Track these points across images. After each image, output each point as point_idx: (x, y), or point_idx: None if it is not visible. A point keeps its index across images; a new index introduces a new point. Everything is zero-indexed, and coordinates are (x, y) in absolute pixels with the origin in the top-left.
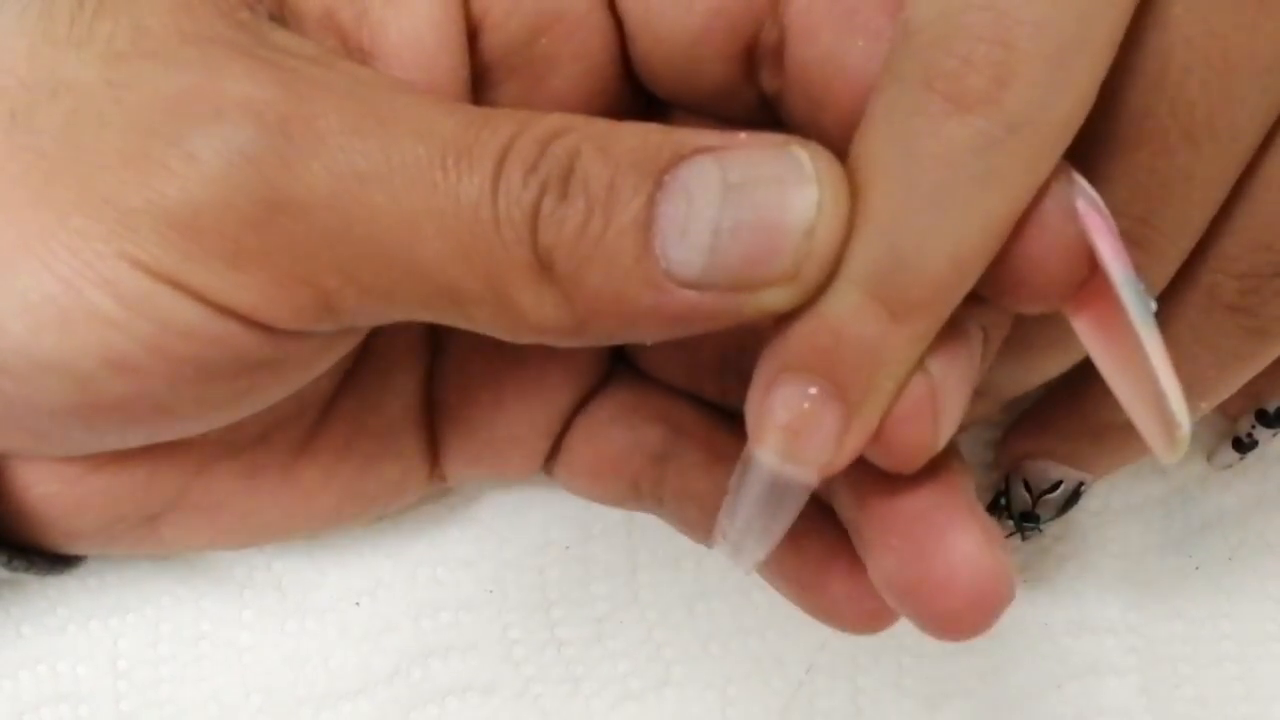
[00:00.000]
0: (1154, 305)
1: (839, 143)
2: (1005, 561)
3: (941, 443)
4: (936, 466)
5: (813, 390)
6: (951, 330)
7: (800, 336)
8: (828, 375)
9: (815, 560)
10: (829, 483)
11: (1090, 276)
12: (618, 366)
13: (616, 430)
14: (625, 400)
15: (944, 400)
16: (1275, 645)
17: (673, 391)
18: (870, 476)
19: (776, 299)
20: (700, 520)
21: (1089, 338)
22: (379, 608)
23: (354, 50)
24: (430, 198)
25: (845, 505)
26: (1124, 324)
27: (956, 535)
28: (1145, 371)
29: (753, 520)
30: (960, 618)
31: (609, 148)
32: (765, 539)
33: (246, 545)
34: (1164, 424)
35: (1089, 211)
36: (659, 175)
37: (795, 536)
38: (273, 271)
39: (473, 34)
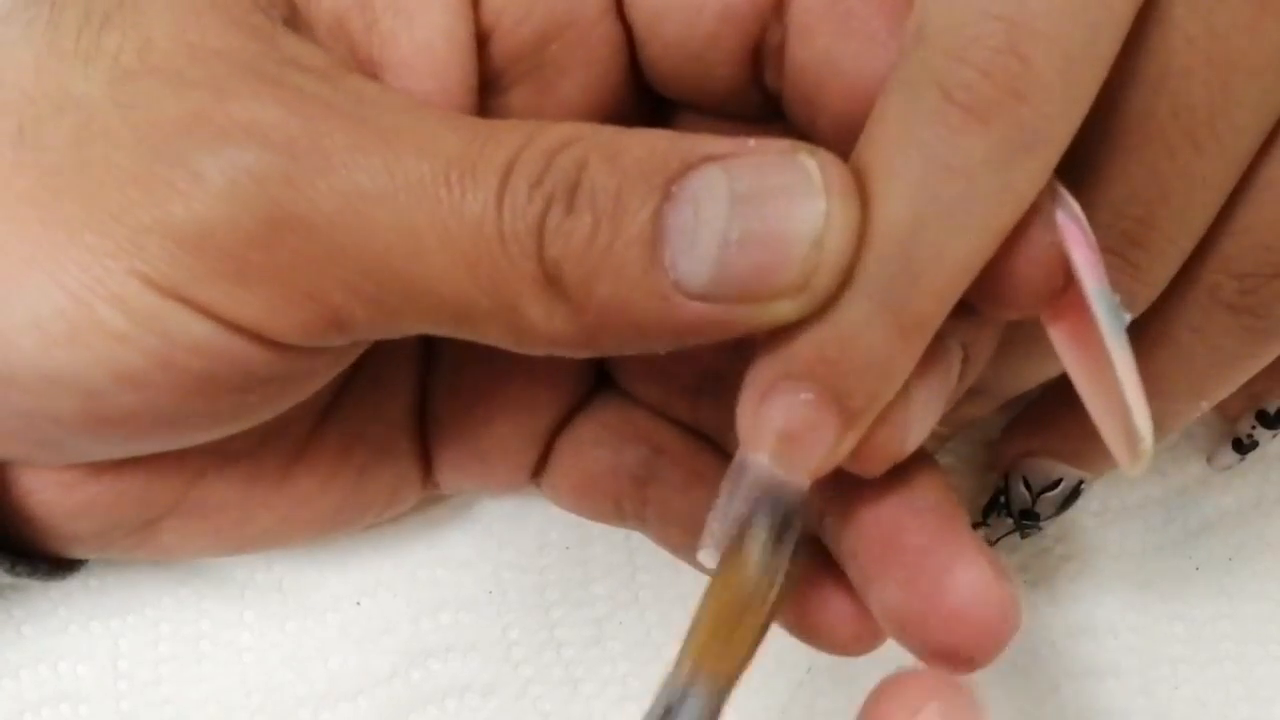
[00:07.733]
0: (1127, 317)
1: (835, 144)
2: (1013, 593)
3: (909, 450)
4: (936, 498)
5: (809, 397)
6: (931, 344)
7: (807, 346)
8: (830, 384)
9: (801, 585)
10: (819, 515)
11: (1068, 286)
12: (601, 385)
13: (599, 451)
14: (608, 420)
15: (917, 410)
16: (1275, 645)
17: (655, 412)
18: (868, 509)
19: (785, 310)
20: (683, 541)
21: (1062, 346)
22: (379, 608)
23: (363, 59)
24: (435, 214)
25: (839, 537)
26: (1095, 335)
27: (963, 568)
28: (1112, 383)
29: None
30: (966, 650)
31: (616, 158)
32: None
33: (243, 552)
34: (1127, 437)
35: (1067, 222)
36: (666, 186)
37: None
38: (280, 288)
39: (483, 41)
